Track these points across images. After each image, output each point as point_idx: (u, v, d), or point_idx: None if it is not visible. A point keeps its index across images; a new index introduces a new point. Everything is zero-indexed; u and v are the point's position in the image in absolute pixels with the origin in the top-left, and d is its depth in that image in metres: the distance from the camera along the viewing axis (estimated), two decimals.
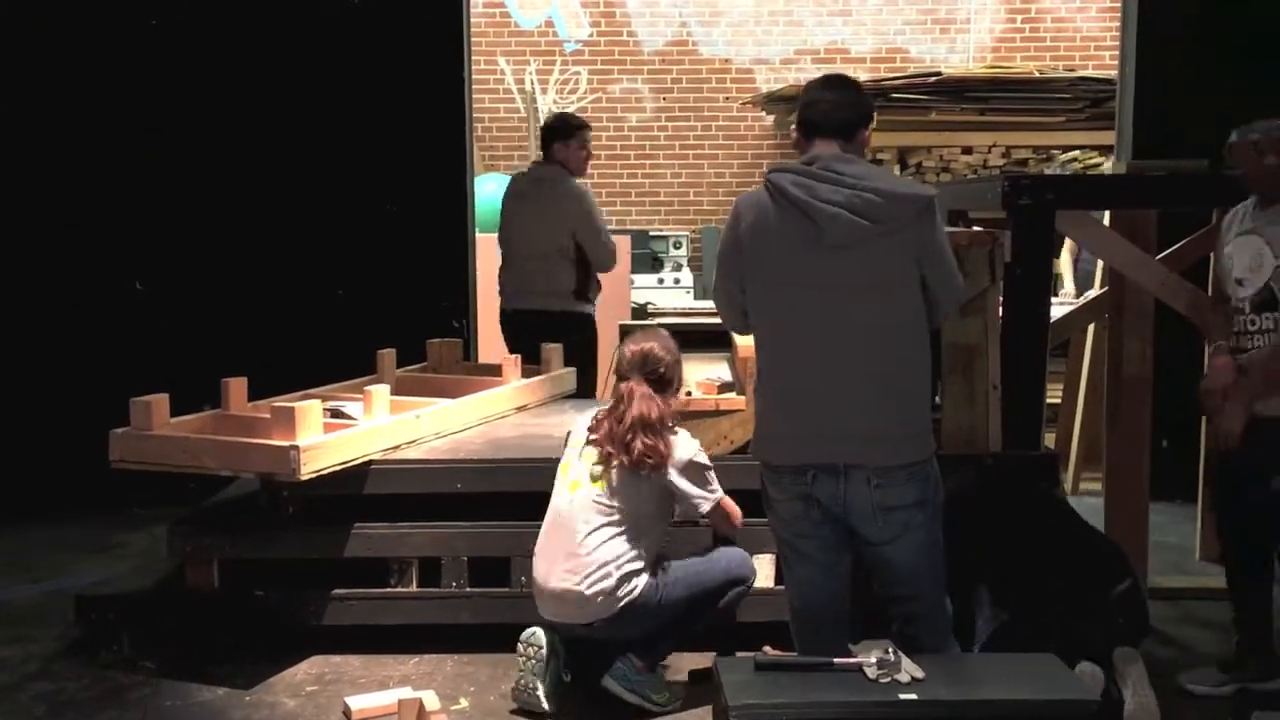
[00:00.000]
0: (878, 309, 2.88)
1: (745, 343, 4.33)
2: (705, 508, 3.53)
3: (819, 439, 2.91)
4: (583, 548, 3.43)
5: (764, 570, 4.02)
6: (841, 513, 2.94)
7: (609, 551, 3.43)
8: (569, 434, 3.71)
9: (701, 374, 4.50)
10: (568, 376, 5.21)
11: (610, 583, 3.41)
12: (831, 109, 2.95)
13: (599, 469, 3.51)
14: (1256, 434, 3.46)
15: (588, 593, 3.41)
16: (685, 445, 3.52)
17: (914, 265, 2.88)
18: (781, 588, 3.88)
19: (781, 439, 2.98)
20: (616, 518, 3.46)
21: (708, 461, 3.56)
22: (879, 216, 2.82)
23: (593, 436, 3.55)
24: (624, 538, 3.46)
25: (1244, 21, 5.23)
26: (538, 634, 3.50)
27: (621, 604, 3.43)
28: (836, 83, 3.05)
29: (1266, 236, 3.44)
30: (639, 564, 3.46)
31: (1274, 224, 3.45)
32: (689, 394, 4.23)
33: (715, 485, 3.55)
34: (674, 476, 3.47)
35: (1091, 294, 5.84)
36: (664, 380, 3.57)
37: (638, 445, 3.42)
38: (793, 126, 3.12)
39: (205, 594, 4.03)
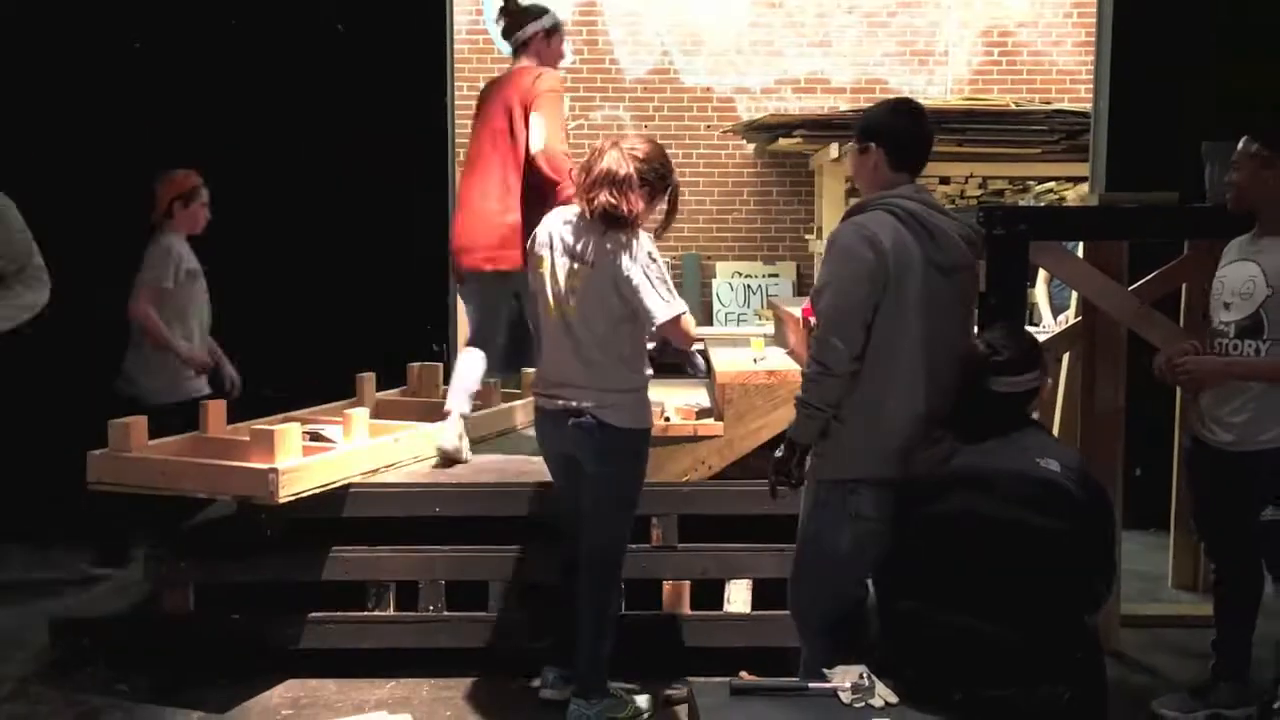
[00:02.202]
0: (961, 325, 3.18)
1: (724, 369, 4.38)
2: (661, 317, 3.45)
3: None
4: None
5: (742, 595, 4.04)
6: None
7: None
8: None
9: (680, 400, 4.53)
10: None
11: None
12: (929, 142, 3.23)
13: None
14: (1242, 464, 3.50)
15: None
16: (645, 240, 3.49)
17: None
18: (758, 613, 3.95)
19: (910, 451, 3.05)
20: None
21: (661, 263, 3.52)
22: (974, 247, 3.23)
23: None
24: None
25: (1216, 57, 5.33)
26: None
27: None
28: (923, 113, 3.25)
29: (1262, 264, 3.45)
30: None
31: (1268, 252, 3.46)
32: (667, 419, 4.25)
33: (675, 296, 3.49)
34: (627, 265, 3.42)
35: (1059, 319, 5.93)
36: (641, 172, 3.47)
37: (602, 198, 3.41)
38: (867, 149, 3.16)
39: (181, 617, 4.02)
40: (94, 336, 5.48)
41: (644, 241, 3.48)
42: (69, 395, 5.49)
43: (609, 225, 3.43)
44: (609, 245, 3.44)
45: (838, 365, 3.03)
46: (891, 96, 6.10)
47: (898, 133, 3.15)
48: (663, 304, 3.44)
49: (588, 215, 3.47)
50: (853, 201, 3.59)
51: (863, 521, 3.10)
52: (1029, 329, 3.57)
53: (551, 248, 3.54)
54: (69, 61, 5.70)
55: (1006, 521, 2.78)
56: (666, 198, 3.59)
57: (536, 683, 3.79)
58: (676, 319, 3.46)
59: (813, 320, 3.22)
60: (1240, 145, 3.54)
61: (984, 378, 2.95)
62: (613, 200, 3.40)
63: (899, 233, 3.04)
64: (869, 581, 3.20)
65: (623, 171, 3.42)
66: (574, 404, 3.48)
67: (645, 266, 3.43)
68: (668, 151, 3.64)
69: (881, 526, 3.07)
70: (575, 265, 3.48)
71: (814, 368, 3.07)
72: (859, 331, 3.02)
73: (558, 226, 3.57)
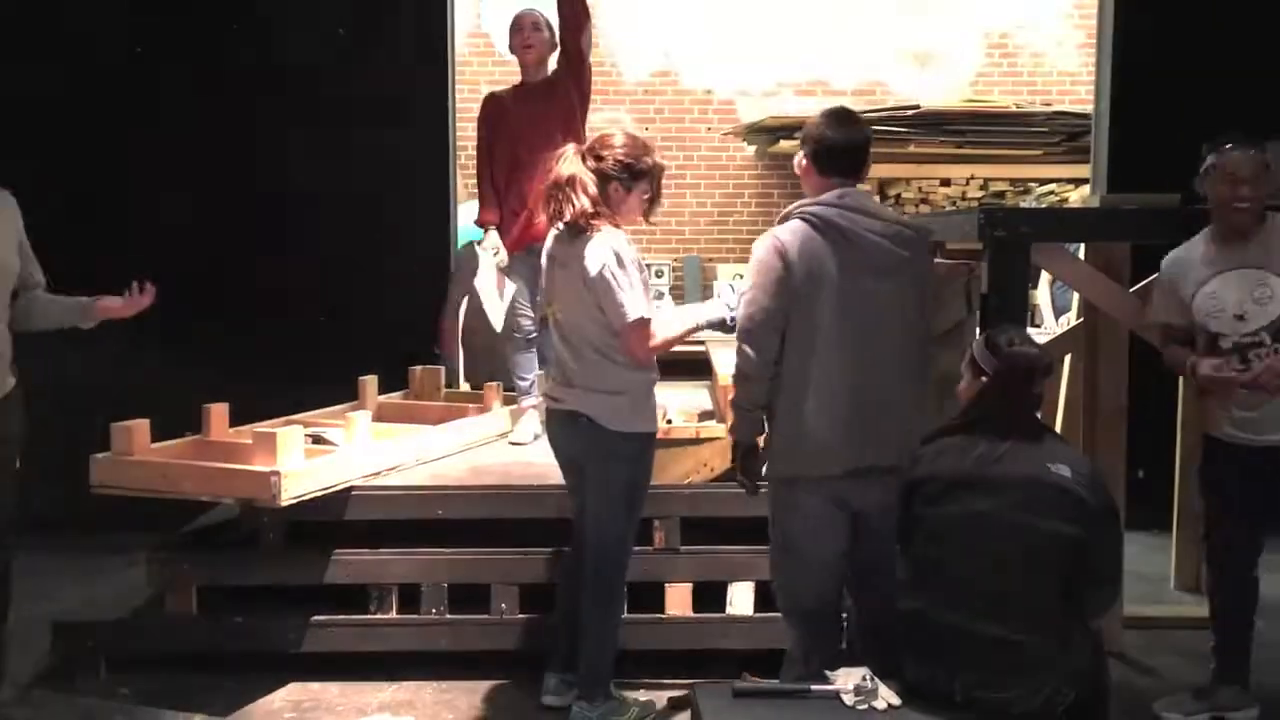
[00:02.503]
0: (901, 327, 3.17)
1: (726, 372, 4.37)
2: (626, 318, 3.37)
3: (862, 446, 3.12)
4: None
5: (745, 598, 4.04)
6: (861, 509, 3.18)
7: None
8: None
9: (682, 402, 4.53)
10: None
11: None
12: (852, 149, 3.22)
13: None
14: (1240, 459, 3.49)
15: None
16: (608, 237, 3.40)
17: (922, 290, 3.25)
18: (761, 615, 3.94)
19: (826, 452, 3.13)
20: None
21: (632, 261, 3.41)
22: (911, 248, 3.18)
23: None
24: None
25: (1217, 58, 5.33)
26: None
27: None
28: (849, 120, 3.28)
29: (1272, 268, 3.44)
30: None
31: (1271, 252, 3.46)
32: (670, 421, 4.26)
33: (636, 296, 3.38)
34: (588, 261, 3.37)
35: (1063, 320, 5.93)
36: (603, 169, 3.44)
37: (551, 207, 3.45)
38: (801, 158, 3.27)
39: (184, 620, 4.03)
40: (93, 338, 5.50)
41: (609, 239, 3.40)
42: (63, 396, 5.50)
43: (573, 230, 3.46)
44: (577, 246, 3.45)
45: (753, 371, 3.18)
46: (891, 103, 6.11)
47: (817, 139, 3.24)
48: (631, 304, 3.36)
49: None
50: None
51: (806, 516, 3.19)
52: (1029, 330, 3.58)
53: (549, 255, 3.60)
54: (67, 62, 5.71)
55: (1015, 525, 2.80)
56: (648, 182, 3.52)
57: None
58: (634, 323, 3.37)
59: None
60: (1240, 155, 3.46)
61: (1036, 382, 2.99)
62: (557, 208, 3.45)
63: (812, 241, 3.11)
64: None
65: (566, 174, 3.45)
66: (573, 405, 3.50)
67: (612, 269, 3.36)
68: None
69: (826, 523, 3.16)
70: (557, 270, 3.54)
71: (735, 372, 3.24)
72: (770, 338, 3.13)
73: (553, 234, 3.62)
